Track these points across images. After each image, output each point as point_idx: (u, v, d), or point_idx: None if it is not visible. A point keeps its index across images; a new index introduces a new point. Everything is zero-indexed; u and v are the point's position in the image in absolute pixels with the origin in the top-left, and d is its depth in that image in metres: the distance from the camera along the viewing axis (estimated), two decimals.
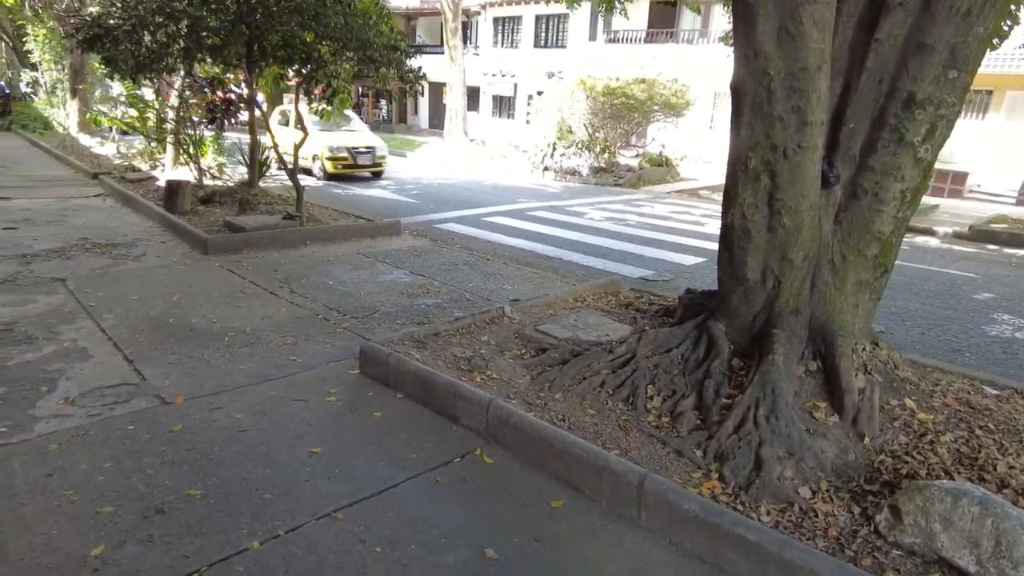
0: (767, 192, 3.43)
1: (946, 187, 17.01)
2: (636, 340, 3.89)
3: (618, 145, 18.83)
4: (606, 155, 17.53)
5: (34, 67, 19.39)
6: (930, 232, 11.34)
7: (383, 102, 34.56)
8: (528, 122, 26.70)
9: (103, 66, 7.82)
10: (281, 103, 29.12)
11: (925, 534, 2.43)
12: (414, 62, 9.21)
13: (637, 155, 18.75)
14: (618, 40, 25.32)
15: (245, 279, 6.10)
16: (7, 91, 24.00)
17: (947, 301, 6.87)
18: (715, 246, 4.01)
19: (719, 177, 16.07)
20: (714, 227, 10.57)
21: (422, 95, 10.53)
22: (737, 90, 3.40)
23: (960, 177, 17.22)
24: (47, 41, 18.14)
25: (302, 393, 3.84)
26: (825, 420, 3.22)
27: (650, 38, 24.45)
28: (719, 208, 3.83)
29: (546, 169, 17.20)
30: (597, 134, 18.15)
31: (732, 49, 3.45)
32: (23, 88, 23.39)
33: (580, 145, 17.57)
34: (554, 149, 17.45)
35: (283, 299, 5.58)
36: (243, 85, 10.18)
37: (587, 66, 21.20)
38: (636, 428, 3.30)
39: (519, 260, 7.49)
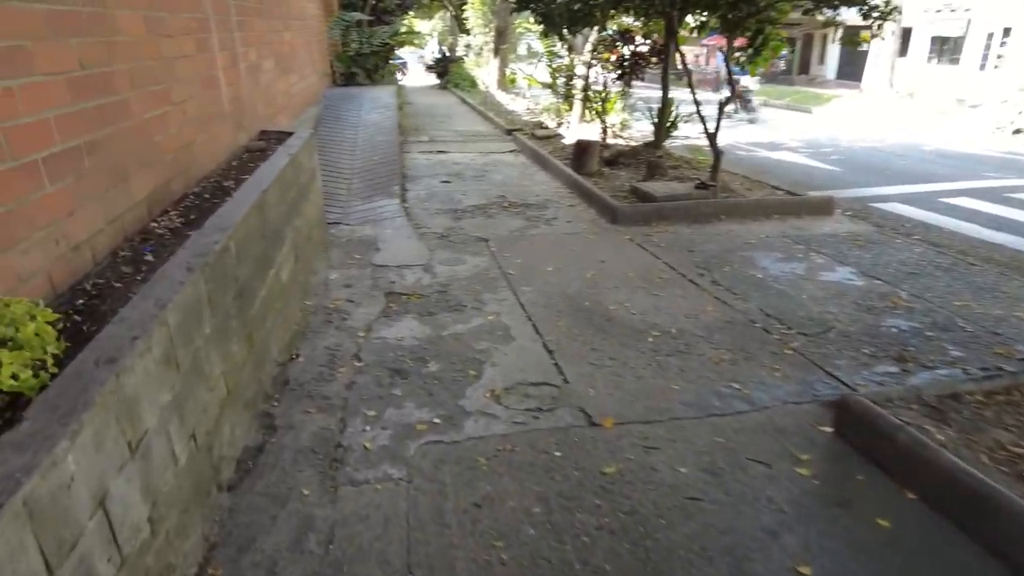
0: None
1: None
2: None
3: None
4: None
5: (468, 32, 22.12)
6: None
7: (784, 52, 31.09)
8: (982, 68, 20.92)
9: (538, 23, 7.82)
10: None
11: None
12: None
13: None
14: None
15: (659, 259, 5.36)
16: (447, 54, 28.20)
17: None
18: None
19: None
20: None
21: (881, 38, 8.12)
22: None
23: None
24: (481, 8, 20.39)
25: (759, 449, 2.85)
26: None
27: None
28: None
29: (1018, 131, 12.92)
30: None
31: None
32: (459, 52, 27.15)
33: None
34: None
35: (706, 291, 4.67)
36: (655, 36, 9.47)
37: None
38: None
39: None
